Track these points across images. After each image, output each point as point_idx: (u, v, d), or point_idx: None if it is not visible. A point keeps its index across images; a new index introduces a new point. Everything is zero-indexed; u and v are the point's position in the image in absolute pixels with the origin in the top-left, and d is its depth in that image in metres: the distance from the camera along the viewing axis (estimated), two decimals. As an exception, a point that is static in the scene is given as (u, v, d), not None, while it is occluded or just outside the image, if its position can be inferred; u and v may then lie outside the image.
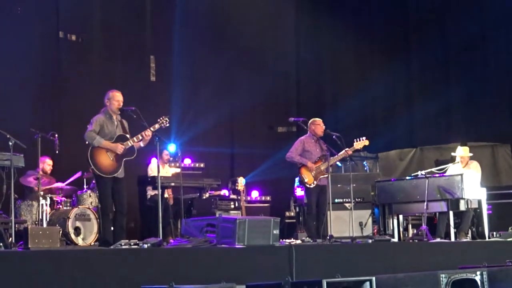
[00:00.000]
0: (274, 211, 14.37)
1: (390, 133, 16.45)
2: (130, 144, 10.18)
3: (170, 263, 8.11)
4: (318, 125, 12.37)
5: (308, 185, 12.16)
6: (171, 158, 13.90)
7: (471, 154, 13.18)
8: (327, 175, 11.82)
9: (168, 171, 13.36)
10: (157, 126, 10.29)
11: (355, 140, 12.41)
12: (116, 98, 10.26)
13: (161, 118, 10.40)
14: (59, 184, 12.22)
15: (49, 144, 11.12)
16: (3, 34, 13.02)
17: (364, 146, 12.61)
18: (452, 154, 13.31)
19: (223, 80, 16.81)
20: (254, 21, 17.05)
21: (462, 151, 13.11)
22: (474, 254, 10.82)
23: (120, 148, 10.09)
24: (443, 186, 12.26)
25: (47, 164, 12.39)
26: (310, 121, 12.43)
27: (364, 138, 12.43)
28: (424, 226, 12.12)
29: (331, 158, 12.10)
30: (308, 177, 12.15)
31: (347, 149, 12.06)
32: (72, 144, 12.25)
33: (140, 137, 10.20)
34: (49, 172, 12.46)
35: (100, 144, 10.03)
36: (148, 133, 10.16)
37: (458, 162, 13.04)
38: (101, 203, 10.25)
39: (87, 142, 10.06)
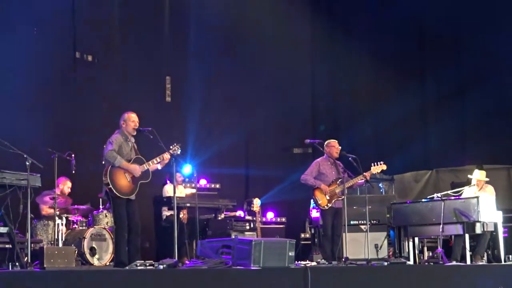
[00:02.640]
0: (289, 232, 14.34)
1: (405, 155, 16.39)
2: (146, 168, 10.21)
3: (185, 285, 8.10)
4: (333, 146, 12.31)
5: (321, 207, 12.12)
6: (186, 179, 13.93)
7: (487, 179, 13.10)
8: (342, 198, 11.79)
9: (182, 191, 13.37)
10: (167, 155, 10.29)
11: (372, 164, 12.30)
12: (132, 119, 10.27)
13: (173, 146, 10.42)
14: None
15: (65, 164, 11.15)
16: (20, 54, 13.08)
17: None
18: (469, 176, 13.23)
19: (238, 101, 16.86)
20: (270, 43, 17.09)
21: (479, 175, 13.03)
22: (490, 278, 10.74)
23: (138, 170, 10.10)
24: (459, 208, 12.18)
25: (67, 186, 12.40)
26: (325, 143, 12.39)
27: (382, 162, 12.29)
28: (439, 249, 12.06)
29: (348, 181, 12.02)
30: (322, 200, 12.10)
31: (365, 173, 11.96)
32: (87, 164, 12.28)
33: (155, 161, 10.22)
34: (67, 193, 12.45)
35: (121, 165, 10.01)
36: (166, 156, 10.20)
37: (474, 185, 12.99)
38: (116, 223, 10.20)
39: (104, 162, 10.02)
